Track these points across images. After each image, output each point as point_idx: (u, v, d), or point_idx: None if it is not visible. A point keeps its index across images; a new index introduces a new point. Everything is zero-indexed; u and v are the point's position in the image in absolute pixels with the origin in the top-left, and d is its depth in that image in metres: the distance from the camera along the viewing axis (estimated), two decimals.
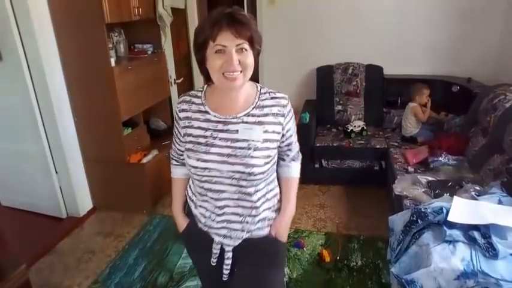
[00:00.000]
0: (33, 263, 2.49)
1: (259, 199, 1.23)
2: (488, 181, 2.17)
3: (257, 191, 1.21)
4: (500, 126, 2.39)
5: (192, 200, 1.33)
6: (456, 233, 1.62)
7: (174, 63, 3.57)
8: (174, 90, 3.60)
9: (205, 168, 1.16)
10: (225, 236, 1.26)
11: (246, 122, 1.17)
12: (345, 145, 3.27)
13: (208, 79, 1.18)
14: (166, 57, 3.34)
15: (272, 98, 1.20)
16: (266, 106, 1.19)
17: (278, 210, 1.32)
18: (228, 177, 1.16)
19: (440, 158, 2.66)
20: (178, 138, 1.27)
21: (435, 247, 1.61)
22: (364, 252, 2.50)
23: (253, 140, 1.15)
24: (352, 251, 2.51)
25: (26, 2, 2.37)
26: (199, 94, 1.23)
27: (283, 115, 1.20)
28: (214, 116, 1.18)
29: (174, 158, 1.38)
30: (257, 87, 1.23)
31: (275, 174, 1.31)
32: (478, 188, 2.02)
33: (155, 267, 2.44)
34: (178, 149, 1.32)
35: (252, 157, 1.14)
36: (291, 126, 1.25)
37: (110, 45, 2.79)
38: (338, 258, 2.44)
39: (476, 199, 1.84)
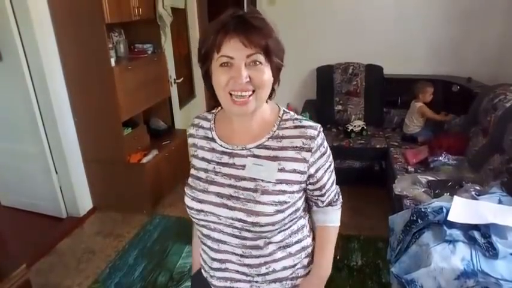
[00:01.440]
0: (33, 263, 2.49)
1: (272, 253, 0.96)
2: (489, 181, 2.17)
3: (269, 243, 0.94)
4: (501, 126, 2.38)
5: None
6: (456, 233, 1.62)
7: (174, 63, 3.57)
8: (174, 90, 3.60)
9: (201, 211, 0.93)
10: None
11: (257, 156, 0.92)
12: (345, 145, 3.27)
13: (215, 99, 0.94)
14: (166, 57, 3.34)
15: (296, 127, 0.93)
16: (286, 137, 0.92)
17: (308, 267, 1.05)
18: (228, 225, 0.91)
19: (440, 158, 2.66)
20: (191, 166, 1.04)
21: (435, 247, 1.61)
22: (364, 252, 2.50)
23: (262, 180, 0.90)
24: (352, 251, 2.51)
25: (26, 2, 2.36)
26: (209, 116, 1.01)
27: (309, 150, 0.91)
28: (221, 146, 0.95)
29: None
30: (279, 111, 0.97)
31: (303, 221, 1.03)
32: (478, 188, 2.02)
33: (155, 267, 2.44)
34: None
35: (258, 202, 0.88)
36: (323, 164, 0.95)
37: (110, 45, 2.79)
38: (338, 258, 2.43)
39: (476, 199, 1.84)
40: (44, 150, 2.75)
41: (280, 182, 0.90)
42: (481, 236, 1.57)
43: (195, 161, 0.99)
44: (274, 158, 0.91)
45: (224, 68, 0.84)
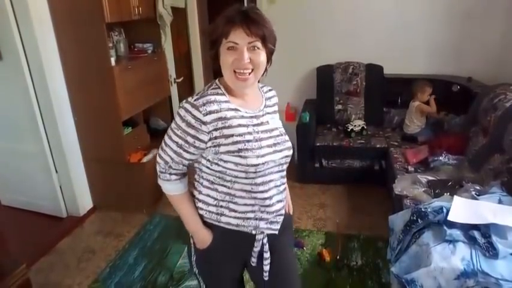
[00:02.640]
0: (34, 263, 2.49)
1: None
2: (489, 181, 2.17)
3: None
4: (501, 125, 2.38)
5: (220, 205, 1.23)
6: (456, 233, 1.62)
7: (174, 62, 3.57)
8: (174, 90, 3.60)
9: (264, 163, 1.16)
10: (271, 222, 1.26)
11: (268, 113, 1.26)
12: (345, 144, 3.27)
13: (216, 75, 1.20)
14: (166, 57, 3.34)
15: (269, 91, 1.33)
16: (270, 98, 1.31)
17: None
18: (278, 165, 1.22)
19: (440, 158, 2.66)
20: (194, 146, 1.14)
21: (435, 247, 1.61)
22: (364, 251, 2.50)
23: (280, 127, 1.28)
24: (352, 251, 2.51)
25: (26, 1, 2.36)
26: (220, 92, 1.17)
27: (277, 104, 1.35)
28: (246, 113, 1.18)
29: (175, 172, 1.24)
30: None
31: None
32: (478, 188, 2.02)
33: (155, 266, 2.44)
34: (189, 159, 1.19)
35: (287, 140, 1.26)
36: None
37: (110, 45, 2.79)
38: (338, 257, 2.43)
39: (476, 199, 1.84)
40: (43, 149, 2.75)
41: (281, 125, 1.29)
42: (481, 236, 1.57)
43: (229, 131, 1.13)
44: (275, 111, 1.30)
45: (230, 51, 1.10)
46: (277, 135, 1.22)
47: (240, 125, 1.14)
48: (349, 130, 3.37)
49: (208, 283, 1.39)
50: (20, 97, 2.63)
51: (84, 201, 3.03)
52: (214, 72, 1.19)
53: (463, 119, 3.02)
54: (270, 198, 1.22)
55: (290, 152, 1.24)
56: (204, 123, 1.10)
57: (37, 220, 2.95)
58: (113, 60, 2.63)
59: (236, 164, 1.13)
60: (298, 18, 3.74)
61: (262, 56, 1.12)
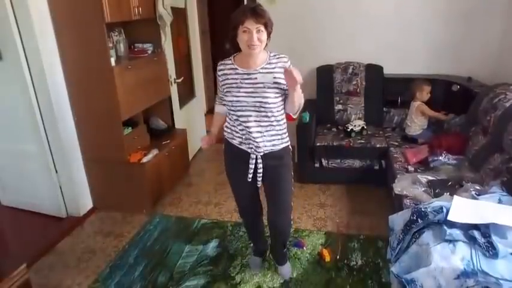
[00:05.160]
0: (33, 263, 2.49)
1: (274, 120, 1.88)
2: (488, 180, 2.17)
3: (272, 116, 1.86)
4: (500, 125, 2.39)
5: (231, 128, 1.96)
6: (456, 233, 1.62)
7: (174, 62, 3.56)
8: (174, 90, 3.59)
9: (238, 101, 1.84)
10: (255, 146, 1.90)
11: (261, 72, 1.83)
12: (345, 144, 3.27)
13: (234, 50, 1.87)
14: (166, 57, 3.33)
15: (277, 58, 1.87)
16: (273, 63, 1.85)
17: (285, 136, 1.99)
18: (252, 106, 1.83)
19: (440, 158, 2.66)
20: (220, 86, 1.92)
21: (435, 246, 1.61)
22: (364, 251, 2.50)
23: (267, 82, 1.82)
24: (352, 251, 2.51)
25: (26, 2, 2.37)
26: (229, 59, 1.91)
27: (282, 67, 1.85)
28: (241, 70, 1.85)
29: (218, 100, 2.07)
30: (268, 52, 1.88)
31: (284, 114, 1.94)
32: (478, 188, 2.02)
33: (155, 266, 2.44)
34: (221, 95, 1.97)
35: (266, 92, 1.82)
36: None
37: (110, 45, 2.79)
38: (338, 257, 2.44)
39: (476, 198, 1.84)
40: (44, 149, 2.75)
41: (275, 83, 1.83)
42: (481, 236, 1.57)
43: (227, 81, 1.87)
44: (270, 73, 1.83)
45: (245, 33, 1.72)
46: (258, 87, 1.82)
47: (232, 78, 1.86)
48: (349, 130, 3.38)
49: (231, 186, 2.15)
50: (20, 97, 2.63)
51: (84, 201, 3.03)
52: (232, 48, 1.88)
53: (463, 119, 3.02)
54: (249, 127, 1.87)
55: (263, 100, 1.81)
56: (219, 75, 1.91)
57: (37, 220, 2.95)
58: (112, 60, 2.62)
59: (227, 100, 1.87)
60: (298, 18, 3.75)
61: (264, 35, 1.75)
